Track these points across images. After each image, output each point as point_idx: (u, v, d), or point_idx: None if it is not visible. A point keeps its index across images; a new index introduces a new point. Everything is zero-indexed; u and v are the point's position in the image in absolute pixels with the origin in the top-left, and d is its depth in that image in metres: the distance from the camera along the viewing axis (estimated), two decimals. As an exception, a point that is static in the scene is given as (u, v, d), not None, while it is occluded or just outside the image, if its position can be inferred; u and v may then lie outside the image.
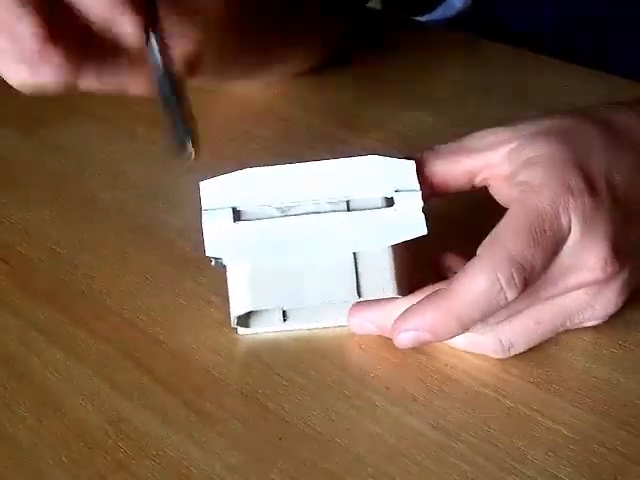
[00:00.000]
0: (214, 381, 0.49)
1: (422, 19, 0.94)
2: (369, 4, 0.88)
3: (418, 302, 0.47)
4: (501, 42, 0.82)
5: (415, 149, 0.51)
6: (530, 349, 0.49)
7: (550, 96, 0.74)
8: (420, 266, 0.51)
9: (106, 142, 0.71)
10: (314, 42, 0.75)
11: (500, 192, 0.51)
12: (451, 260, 0.51)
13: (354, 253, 0.49)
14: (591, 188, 0.47)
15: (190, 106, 0.50)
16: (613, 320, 0.49)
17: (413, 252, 0.50)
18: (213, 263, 0.49)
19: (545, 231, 0.45)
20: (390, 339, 0.49)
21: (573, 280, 0.47)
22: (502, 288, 0.44)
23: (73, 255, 0.58)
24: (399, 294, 0.49)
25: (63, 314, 0.53)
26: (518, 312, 0.47)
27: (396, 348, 0.48)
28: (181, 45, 0.50)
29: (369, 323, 0.50)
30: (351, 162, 0.50)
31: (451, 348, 0.49)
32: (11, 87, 0.81)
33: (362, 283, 0.49)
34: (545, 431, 0.45)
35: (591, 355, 0.49)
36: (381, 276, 0.49)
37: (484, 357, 0.49)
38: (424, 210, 0.49)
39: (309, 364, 0.50)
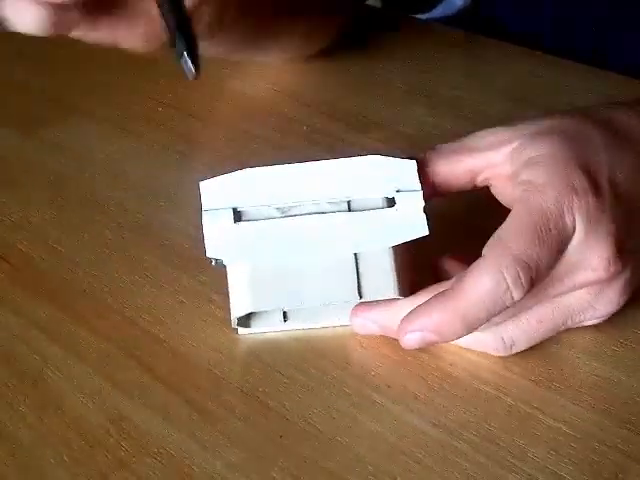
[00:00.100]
0: (215, 379, 0.49)
1: (422, 17, 0.94)
2: (369, 2, 0.89)
3: (424, 303, 0.46)
4: (501, 41, 0.82)
5: (416, 149, 0.51)
6: (531, 347, 0.49)
7: (550, 95, 0.74)
8: (421, 266, 0.51)
9: (106, 142, 0.71)
10: (320, 20, 0.77)
11: (502, 192, 0.50)
12: (449, 264, 0.51)
13: (355, 254, 0.49)
14: (595, 187, 0.47)
15: (190, 19, 0.50)
16: (614, 318, 0.49)
17: (414, 252, 0.50)
18: (213, 263, 0.49)
19: (550, 230, 0.45)
20: (391, 337, 0.50)
21: (576, 279, 0.47)
22: (508, 288, 0.44)
23: (74, 254, 0.58)
24: (400, 295, 0.49)
25: (64, 313, 0.53)
26: (520, 311, 0.47)
27: (397, 346, 0.48)
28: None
29: (372, 323, 0.50)
30: (352, 162, 0.50)
31: (452, 346, 0.49)
32: (11, 87, 0.81)
33: (363, 284, 0.49)
34: (546, 429, 0.45)
35: (592, 353, 0.49)
36: (382, 277, 0.49)
37: (485, 355, 0.49)
38: (425, 210, 0.49)
39: (310, 362, 0.50)
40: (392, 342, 0.49)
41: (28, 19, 0.47)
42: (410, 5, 0.94)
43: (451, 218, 0.55)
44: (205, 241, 0.49)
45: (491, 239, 0.46)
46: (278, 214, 0.50)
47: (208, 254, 0.49)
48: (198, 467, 0.44)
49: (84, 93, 0.79)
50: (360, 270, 0.49)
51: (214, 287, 0.54)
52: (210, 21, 0.57)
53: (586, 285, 0.47)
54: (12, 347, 0.51)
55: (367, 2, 0.88)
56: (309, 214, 0.49)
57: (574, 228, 0.46)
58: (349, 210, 0.49)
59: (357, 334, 0.51)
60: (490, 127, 0.51)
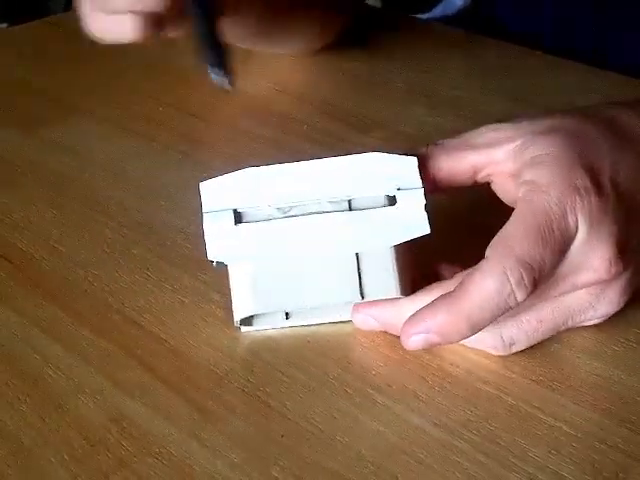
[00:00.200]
0: (216, 379, 0.49)
1: (422, 17, 0.94)
2: (369, 2, 0.89)
3: (427, 305, 0.46)
4: (501, 41, 0.82)
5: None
6: (532, 347, 0.49)
7: (550, 95, 0.74)
8: (422, 264, 0.51)
9: (107, 141, 0.71)
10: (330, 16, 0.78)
11: (503, 189, 0.51)
12: (446, 271, 0.51)
13: (356, 253, 0.49)
14: (597, 187, 0.47)
15: (221, 31, 0.50)
16: (614, 318, 0.49)
17: (415, 251, 0.50)
18: (215, 264, 0.49)
19: (553, 231, 0.45)
20: (392, 337, 0.50)
21: (578, 280, 0.47)
22: (512, 289, 0.44)
23: (74, 253, 0.58)
24: (402, 294, 0.49)
25: (65, 312, 0.53)
26: (521, 310, 0.47)
27: (398, 346, 0.48)
28: None
29: (373, 319, 0.50)
30: (353, 159, 0.50)
31: (453, 345, 0.49)
32: (12, 87, 0.81)
33: (365, 284, 0.49)
34: (547, 429, 0.45)
35: (593, 353, 0.49)
36: (384, 276, 0.49)
37: (486, 355, 0.49)
38: (427, 208, 0.49)
39: (311, 362, 0.50)
40: (393, 342, 0.49)
41: (127, 30, 0.53)
42: (410, 5, 0.95)
43: (452, 216, 0.55)
44: (206, 243, 0.49)
45: (494, 240, 0.46)
46: (279, 214, 0.49)
47: (209, 256, 0.49)
48: (199, 467, 0.44)
49: (85, 93, 0.79)
50: (362, 270, 0.49)
51: (215, 286, 0.54)
52: None
53: (587, 285, 0.47)
54: (13, 346, 0.51)
55: (367, 2, 0.88)
56: (310, 214, 0.49)
57: (577, 229, 0.46)
58: (350, 209, 0.49)
59: (358, 334, 0.51)
60: (491, 124, 0.51)
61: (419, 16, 0.93)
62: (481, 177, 0.51)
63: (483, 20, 0.93)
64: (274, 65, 0.77)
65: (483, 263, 0.45)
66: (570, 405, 0.47)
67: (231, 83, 0.49)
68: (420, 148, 0.50)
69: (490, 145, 0.50)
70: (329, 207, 0.49)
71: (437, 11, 0.95)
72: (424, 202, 0.49)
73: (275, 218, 0.49)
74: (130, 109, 0.75)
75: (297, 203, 0.49)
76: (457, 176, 0.50)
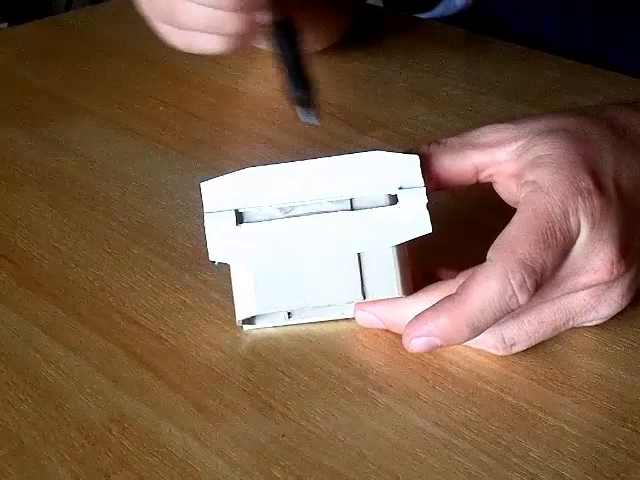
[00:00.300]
0: (217, 378, 0.49)
1: (423, 17, 0.94)
2: (370, 2, 0.89)
3: (429, 308, 0.47)
4: (501, 41, 0.82)
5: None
6: (533, 346, 0.49)
7: (551, 95, 0.74)
8: (424, 264, 0.51)
9: (107, 141, 0.71)
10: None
11: (505, 190, 0.50)
12: (445, 276, 0.51)
13: (358, 253, 0.49)
14: (600, 189, 0.47)
15: (308, 66, 0.51)
16: (616, 317, 0.49)
17: (417, 250, 0.50)
18: (216, 264, 0.49)
19: (555, 233, 0.45)
20: (393, 337, 0.50)
21: (579, 281, 0.47)
22: (514, 292, 0.44)
23: (75, 253, 0.58)
24: (404, 294, 0.49)
25: (65, 311, 0.53)
26: (522, 311, 0.47)
27: (399, 345, 0.48)
28: None
29: (375, 317, 0.50)
30: (354, 158, 0.50)
31: (454, 345, 0.49)
32: (13, 87, 0.81)
33: (366, 284, 0.49)
34: (548, 428, 0.45)
35: (594, 352, 0.49)
36: (386, 276, 0.49)
37: (487, 354, 0.49)
38: (428, 207, 0.49)
39: (312, 362, 0.50)
40: (394, 341, 0.49)
41: (211, 46, 0.56)
42: (411, 5, 0.95)
43: (454, 215, 0.55)
44: (208, 244, 0.49)
45: (496, 241, 0.46)
46: (280, 214, 0.49)
47: (211, 257, 0.49)
48: (200, 466, 0.44)
49: (85, 92, 0.79)
50: (363, 270, 0.49)
51: (216, 286, 0.54)
52: None
53: (589, 287, 0.47)
54: (13, 346, 0.51)
55: (368, 1, 0.88)
56: (311, 214, 0.49)
57: (579, 230, 0.46)
58: (352, 209, 0.49)
59: (359, 333, 0.51)
60: (492, 124, 0.51)
61: (420, 16, 0.93)
62: (483, 177, 0.51)
63: (483, 20, 0.93)
64: (275, 65, 0.77)
65: (485, 265, 0.45)
66: (571, 405, 0.46)
67: (317, 118, 0.50)
68: (422, 147, 0.50)
69: (493, 145, 0.50)
70: (331, 207, 0.49)
71: (438, 11, 0.94)
72: (426, 201, 0.49)
73: (276, 218, 0.49)
74: (131, 109, 0.75)
75: (298, 203, 0.49)
76: (459, 175, 0.50)
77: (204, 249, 0.49)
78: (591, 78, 0.76)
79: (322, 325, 0.52)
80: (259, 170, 0.50)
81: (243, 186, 0.50)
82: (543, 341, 0.49)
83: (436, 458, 0.44)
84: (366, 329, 0.51)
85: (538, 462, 0.44)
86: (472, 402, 0.47)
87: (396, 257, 0.49)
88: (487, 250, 0.46)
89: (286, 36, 0.53)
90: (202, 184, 0.50)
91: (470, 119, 0.71)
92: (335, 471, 0.44)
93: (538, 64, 0.79)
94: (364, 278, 0.49)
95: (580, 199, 0.46)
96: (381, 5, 0.98)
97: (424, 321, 0.46)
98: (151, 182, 0.65)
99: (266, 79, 0.78)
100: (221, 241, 0.49)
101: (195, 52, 0.59)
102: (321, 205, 0.49)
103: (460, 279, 0.47)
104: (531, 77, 0.77)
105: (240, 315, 0.50)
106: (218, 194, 0.50)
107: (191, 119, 0.74)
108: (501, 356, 0.49)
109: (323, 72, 0.77)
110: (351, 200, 0.49)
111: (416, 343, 0.47)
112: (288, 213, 0.49)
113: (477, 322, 0.45)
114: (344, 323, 0.52)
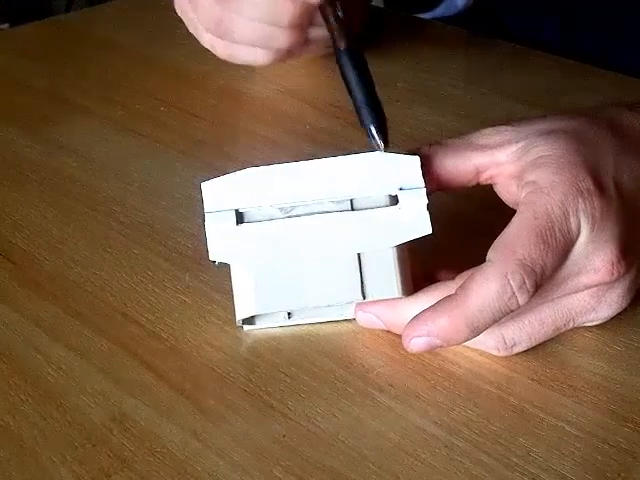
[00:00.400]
0: (218, 378, 0.49)
1: (423, 17, 0.94)
2: (371, 1, 0.89)
3: (429, 308, 0.47)
4: (501, 41, 0.82)
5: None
6: (533, 347, 0.49)
7: (551, 95, 0.74)
8: (424, 265, 0.51)
9: (108, 141, 0.71)
10: None
11: (506, 191, 0.50)
12: (444, 278, 0.51)
13: (358, 253, 0.49)
14: (600, 189, 0.47)
15: (377, 95, 0.51)
16: (616, 318, 0.49)
17: (417, 251, 0.50)
18: (216, 264, 0.49)
19: (555, 234, 0.45)
20: (394, 337, 0.50)
21: (580, 282, 0.47)
22: (513, 293, 0.45)
23: (76, 253, 0.58)
24: (404, 294, 0.49)
25: (66, 312, 0.53)
26: (522, 312, 0.47)
27: (400, 346, 0.48)
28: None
29: (375, 318, 0.50)
30: (354, 159, 0.50)
31: (455, 345, 0.49)
32: (14, 87, 0.81)
33: (366, 284, 0.49)
34: (548, 428, 0.45)
35: (594, 352, 0.49)
36: (386, 276, 0.49)
37: (487, 354, 0.49)
38: (429, 208, 0.49)
39: (313, 362, 0.50)
40: (395, 342, 0.49)
41: (256, 59, 0.59)
42: (412, 5, 0.95)
43: (455, 216, 0.55)
44: (208, 244, 0.49)
45: (496, 242, 0.46)
46: (281, 214, 0.49)
47: (211, 257, 0.49)
48: (201, 466, 0.44)
49: (86, 93, 0.79)
50: (363, 270, 0.49)
51: (217, 286, 0.54)
52: None
53: (589, 287, 0.47)
54: (14, 346, 0.51)
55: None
56: (312, 214, 0.49)
57: (579, 231, 0.46)
58: (352, 209, 0.49)
59: (360, 334, 0.51)
60: (493, 125, 0.51)
61: (420, 16, 0.93)
62: (484, 178, 0.51)
63: (484, 20, 0.93)
64: (275, 65, 0.77)
65: (484, 265, 0.45)
66: (572, 405, 0.46)
67: (387, 146, 0.50)
68: (423, 147, 0.50)
69: (493, 147, 0.50)
70: (331, 207, 0.49)
71: (438, 11, 0.95)
72: (426, 202, 0.49)
73: (277, 218, 0.49)
74: (132, 109, 0.75)
75: (299, 203, 0.49)
76: (460, 177, 0.50)
77: (205, 249, 0.49)
78: (591, 78, 0.76)
79: (323, 325, 0.52)
80: (260, 170, 0.50)
81: (244, 186, 0.50)
82: (544, 341, 0.49)
83: (437, 458, 0.44)
84: (367, 329, 0.51)
85: (539, 462, 0.44)
86: (473, 402, 0.47)
87: (396, 257, 0.49)
88: (487, 250, 0.46)
89: (354, 61, 0.53)
90: (203, 184, 0.50)
91: (470, 119, 0.71)
92: (336, 471, 0.44)
93: (538, 64, 0.79)
94: (364, 278, 0.49)
95: (580, 200, 0.46)
96: (382, 5, 0.98)
97: (424, 321, 0.46)
98: (152, 182, 0.65)
99: (267, 79, 0.78)
100: (221, 241, 0.49)
101: (236, 62, 0.59)
102: (321, 205, 0.49)
103: (460, 280, 0.47)
104: (531, 77, 0.77)
105: (240, 315, 0.50)
106: (219, 194, 0.50)
107: (192, 119, 0.74)
108: (501, 356, 0.49)
109: (323, 72, 0.77)
110: (351, 200, 0.49)
111: (416, 343, 0.47)
112: (288, 213, 0.49)
113: (476, 322, 0.45)
114: (345, 323, 0.52)
